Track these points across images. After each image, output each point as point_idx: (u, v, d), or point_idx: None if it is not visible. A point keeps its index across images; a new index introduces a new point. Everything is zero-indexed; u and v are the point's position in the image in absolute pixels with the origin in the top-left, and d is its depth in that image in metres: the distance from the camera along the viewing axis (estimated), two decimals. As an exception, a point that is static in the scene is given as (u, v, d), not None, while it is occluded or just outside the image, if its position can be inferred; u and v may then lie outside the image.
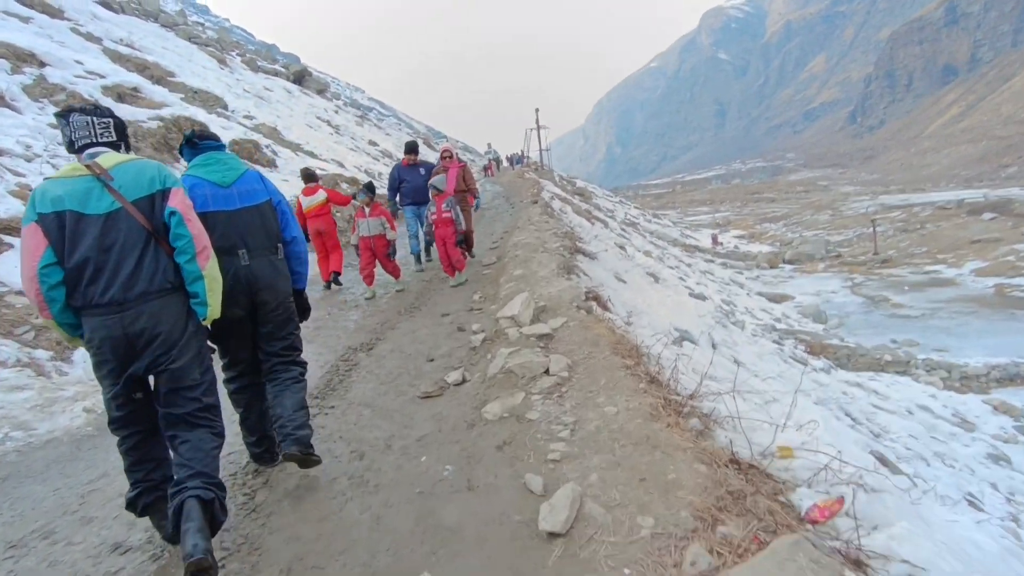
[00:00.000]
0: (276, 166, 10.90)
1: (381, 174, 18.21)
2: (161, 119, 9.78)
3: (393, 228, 6.84)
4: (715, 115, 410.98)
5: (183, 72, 14.46)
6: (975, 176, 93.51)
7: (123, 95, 10.07)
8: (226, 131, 10.89)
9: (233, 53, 42.14)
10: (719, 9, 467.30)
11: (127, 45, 13.64)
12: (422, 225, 7.63)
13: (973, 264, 28.17)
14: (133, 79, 10.81)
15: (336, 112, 30.94)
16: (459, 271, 6.71)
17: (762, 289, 27.39)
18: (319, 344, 5.21)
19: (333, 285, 7.66)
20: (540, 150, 41.68)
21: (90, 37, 12.55)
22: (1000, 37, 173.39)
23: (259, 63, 42.78)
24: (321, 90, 46.33)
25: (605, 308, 4.37)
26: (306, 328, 3.60)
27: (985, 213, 38.80)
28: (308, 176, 7.71)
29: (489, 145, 46.67)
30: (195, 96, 12.74)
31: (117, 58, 12.04)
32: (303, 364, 3.02)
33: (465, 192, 7.85)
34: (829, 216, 56.43)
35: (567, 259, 6.13)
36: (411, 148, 8.36)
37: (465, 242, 6.98)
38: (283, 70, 44.74)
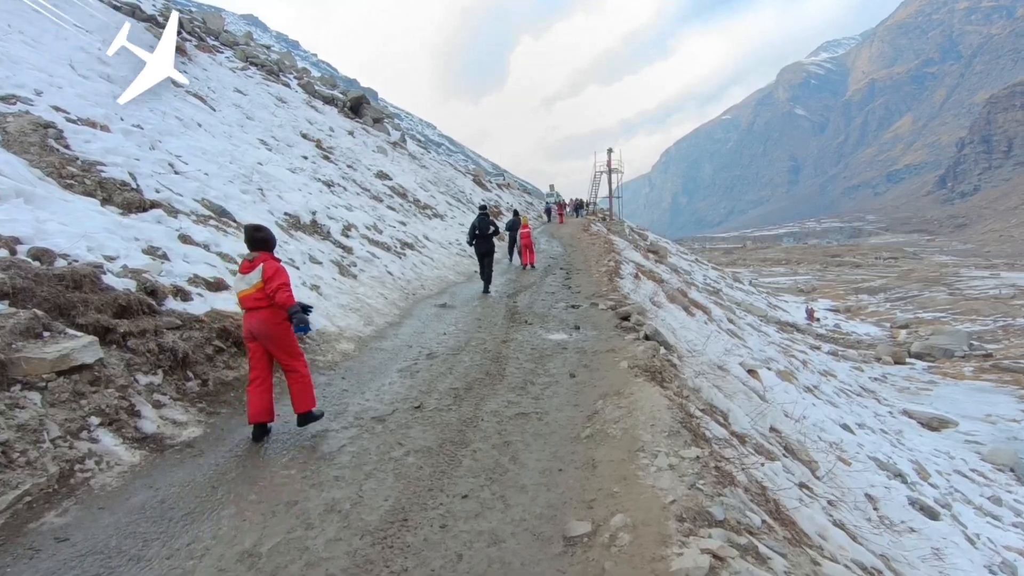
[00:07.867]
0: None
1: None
2: None
3: None
4: (789, 171, 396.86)
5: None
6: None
7: None
8: None
9: (290, 75, 39.42)
10: (798, 65, 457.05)
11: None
12: None
13: None
14: None
15: (351, 134, 24.99)
16: None
17: (904, 403, 20.40)
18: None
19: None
20: (611, 196, 36.23)
21: None
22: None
23: (316, 87, 40.04)
24: (378, 119, 43.04)
25: None
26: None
27: None
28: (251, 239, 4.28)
29: (552, 187, 41.62)
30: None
31: None
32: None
33: None
34: (948, 295, 47.79)
35: None
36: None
37: None
38: (341, 96, 41.83)
